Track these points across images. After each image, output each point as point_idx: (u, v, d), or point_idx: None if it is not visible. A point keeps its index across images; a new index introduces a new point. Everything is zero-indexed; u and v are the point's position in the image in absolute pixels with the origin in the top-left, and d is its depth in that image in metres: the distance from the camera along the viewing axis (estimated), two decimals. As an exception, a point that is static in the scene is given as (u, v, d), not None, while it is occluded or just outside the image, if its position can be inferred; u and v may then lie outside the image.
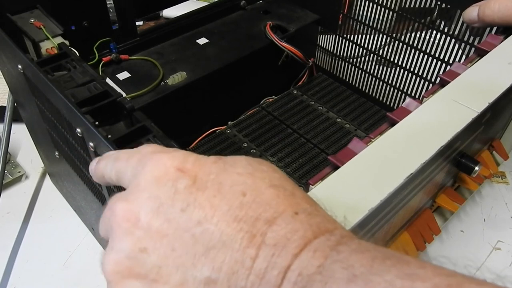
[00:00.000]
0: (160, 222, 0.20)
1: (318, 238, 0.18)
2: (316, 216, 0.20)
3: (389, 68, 0.62)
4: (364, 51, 0.63)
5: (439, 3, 0.53)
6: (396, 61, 0.60)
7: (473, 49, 0.48)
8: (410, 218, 0.42)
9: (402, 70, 0.60)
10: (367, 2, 0.59)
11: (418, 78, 0.58)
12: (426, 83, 0.58)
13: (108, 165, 0.25)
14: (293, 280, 0.17)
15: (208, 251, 0.19)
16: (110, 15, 0.52)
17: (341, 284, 0.16)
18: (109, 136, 0.32)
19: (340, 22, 0.64)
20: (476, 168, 0.39)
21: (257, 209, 0.19)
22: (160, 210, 0.20)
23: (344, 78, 0.68)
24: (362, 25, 0.61)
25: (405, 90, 0.61)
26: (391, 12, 0.57)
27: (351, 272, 0.17)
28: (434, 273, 0.16)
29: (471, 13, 0.44)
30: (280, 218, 0.19)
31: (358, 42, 0.63)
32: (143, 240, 0.20)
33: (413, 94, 0.60)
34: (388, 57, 0.61)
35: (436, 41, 0.55)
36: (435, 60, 0.56)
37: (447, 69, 0.41)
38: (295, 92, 0.63)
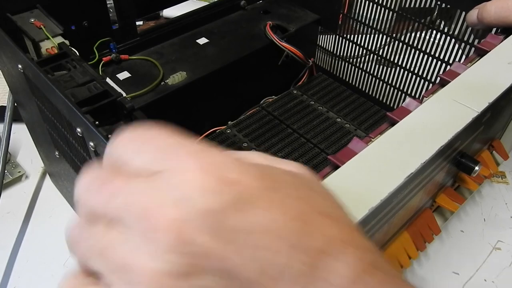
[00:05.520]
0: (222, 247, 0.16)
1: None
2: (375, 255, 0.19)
3: (389, 68, 0.62)
4: (364, 51, 0.63)
5: (439, 3, 0.53)
6: (396, 61, 0.60)
7: (473, 49, 0.48)
8: (410, 218, 0.42)
9: (402, 70, 0.60)
10: (367, 2, 0.59)
11: (418, 78, 0.58)
12: (426, 83, 0.58)
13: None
14: None
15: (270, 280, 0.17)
16: (110, 15, 0.52)
17: None
18: (109, 136, 0.32)
19: (340, 22, 0.64)
20: (476, 168, 0.39)
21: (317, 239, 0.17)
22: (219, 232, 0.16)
23: (344, 78, 0.68)
24: (362, 25, 0.61)
25: (405, 90, 0.61)
26: (391, 12, 0.57)
27: None
28: None
29: (472, 16, 0.45)
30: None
31: (358, 42, 0.63)
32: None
33: (413, 94, 0.60)
34: (388, 57, 0.61)
35: (436, 41, 0.55)
36: (435, 60, 0.56)
37: (447, 69, 0.41)
38: (295, 92, 0.63)
